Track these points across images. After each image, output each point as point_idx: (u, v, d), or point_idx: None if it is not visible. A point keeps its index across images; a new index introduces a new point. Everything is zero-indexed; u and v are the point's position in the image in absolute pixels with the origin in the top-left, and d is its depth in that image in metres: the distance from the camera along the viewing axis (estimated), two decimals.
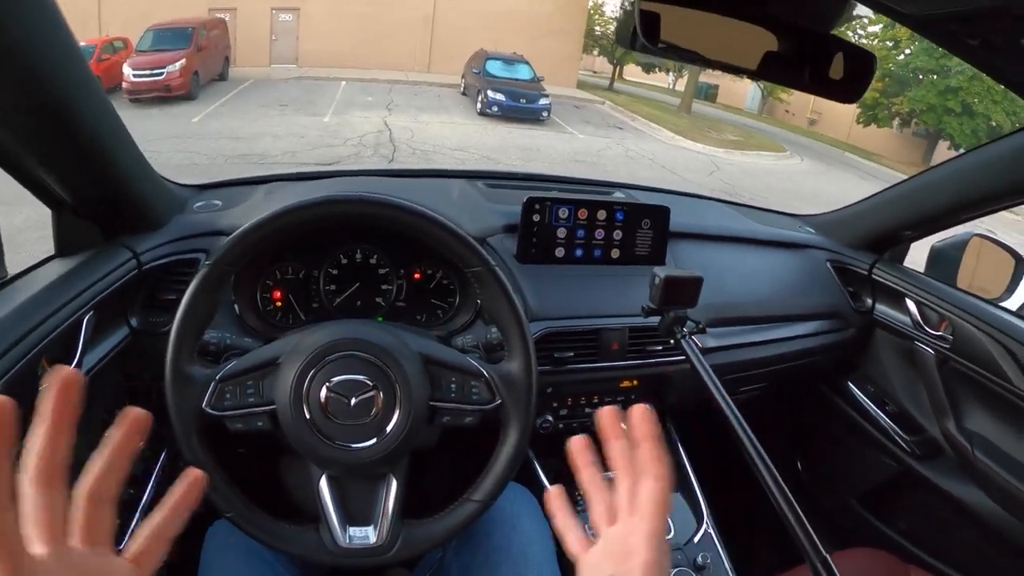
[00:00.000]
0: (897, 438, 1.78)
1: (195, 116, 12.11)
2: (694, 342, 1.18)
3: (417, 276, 1.46)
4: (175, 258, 1.28)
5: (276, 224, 0.98)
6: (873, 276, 1.82)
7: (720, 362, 1.59)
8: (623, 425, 0.76)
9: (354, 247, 1.41)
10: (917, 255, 1.84)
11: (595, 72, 29.80)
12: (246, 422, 0.99)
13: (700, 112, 21.89)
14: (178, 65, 13.51)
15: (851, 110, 23.29)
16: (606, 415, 0.75)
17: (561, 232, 1.51)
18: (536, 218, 1.49)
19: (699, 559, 1.32)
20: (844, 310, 1.85)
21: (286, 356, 0.99)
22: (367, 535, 1.00)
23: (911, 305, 1.72)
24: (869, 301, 1.86)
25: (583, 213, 1.52)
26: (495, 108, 14.79)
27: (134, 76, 13.14)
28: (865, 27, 22.87)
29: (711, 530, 1.41)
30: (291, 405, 0.95)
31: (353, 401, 0.96)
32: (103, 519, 0.48)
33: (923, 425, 1.76)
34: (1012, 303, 1.66)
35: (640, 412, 0.73)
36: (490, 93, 14.95)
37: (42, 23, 0.81)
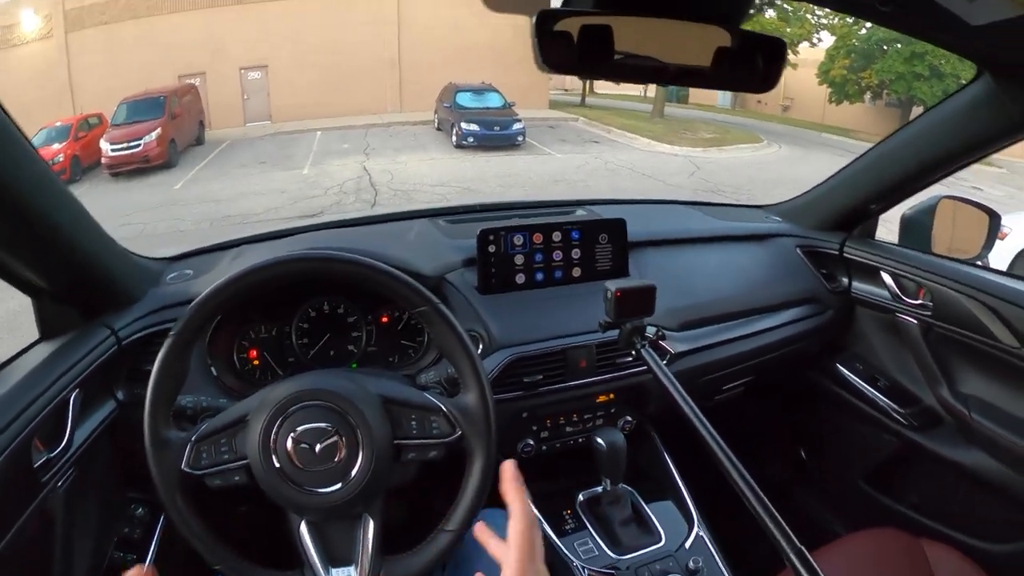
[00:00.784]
0: (894, 412, 1.77)
1: (176, 183, 12.21)
2: (659, 349, 1.18)
3: (385, 320, 1.49)
4: (152, 329, 1.32)
5: (225, 293, 1.01)
6: (845, 255, 1.82)
7: (699, 363, 1.60)
8: None
9: (320, 299, 1.45)
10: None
11: (566, 90, 29.86)
12: (224, 478, 1.01)
13: (674, 115, 21.88)
14: (154, 135, 13.58)
15: (822, 91, 23.43)
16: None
17: (519, 259, 1.53)
18: (492, 248, 1.51)
19: (691, 563, 1.31)
20: (820, 293, 1.85)
21: (253, 412, 1.01)
22: (349, 574, 1.02)
23: (887, 278, 1.72)
24: (845, 280, 1.86)
25: (538, 237, 1.53)
26: (471, 139, 14.85)
27: (112, 151, 13.22)
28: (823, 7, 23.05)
29: (702, 533, 1.40)
30: (261, 457, 0.97)
31: (318, 448, 0.97)
32: None
33: (918, 396, 1.76)
34: (992, 258, 1.65)
35: (505, 468, 0.88)
36: (464, 125, 15.01)
37: None
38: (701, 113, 24.53)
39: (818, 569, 0.81)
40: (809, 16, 22.35)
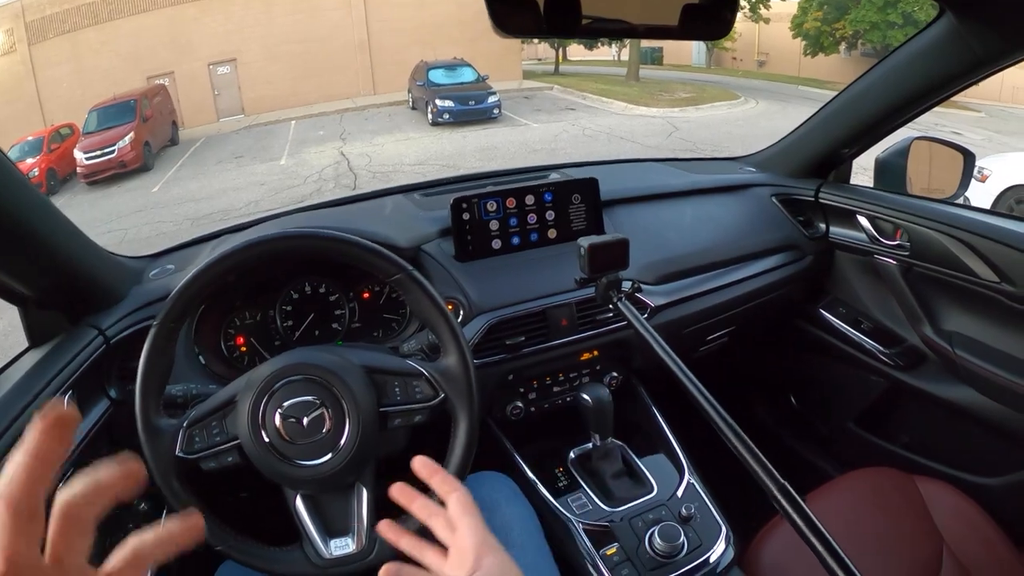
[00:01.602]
0: (879, 354, 1.79)
1: (154, 186, 12.09)
2: (637, 302, 1.19)
3: (366, 296, 1.50)
4: (139, 326, 1.32)
5: (204, 279, 1.02)
6: (820, 200, 1.83)
7: (679, 315, 1.60)
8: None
9: (301, 281, 1.46)
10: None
11: (539, 59, 29.76)
12: (218, 459, 1.03)
13: (649, 77, 21.82)
14: (128, 139, 13.44)
15: (796, 44, 23.33)
16: (396, 491, 0.84)
17: (493, 224, 1.53)
18: (466, 216, 1.51)
19: (683, 510, 1.32)
20: (798, 240, 1.85)
21: (240, 392, 1.03)
22: (347, 544, 1.04)
23: (863, 221, 1.73)
24: (822, 226, 1.87)
25: (511, 202, 1.54)
26: (446, 116, 14.79)
27: (87, 159, 13.06)
28: None
29: (693, 481, 1.41)
30: (251, 435, 0.99)
31: (305, 421, 0.99)
32: (74, 536, 0.46)
33: (901, 336, 1.77)
34: (976, 192, 1.66)
35: (419, 464, 0.84)
36: (438, 102, 14.95)
37: None
38: (676, 73, 24.45)
39: (803, 504, 0.81)
40: None
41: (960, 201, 1.71)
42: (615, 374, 1.61)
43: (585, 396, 1.38)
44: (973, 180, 1.73)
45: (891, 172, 1.76)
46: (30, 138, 13.88)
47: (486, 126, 14.65)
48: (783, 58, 25.45)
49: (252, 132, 16.51)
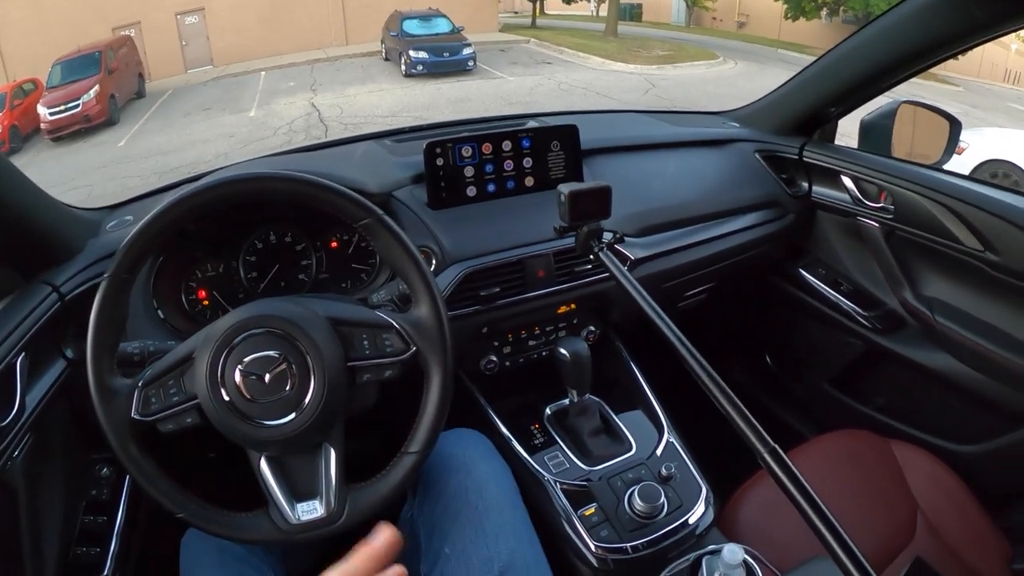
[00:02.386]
0: (858, 316, 1.77)
1: (120, 141, 11.75)
2: (617, 253, 1.13)
3: (334, 245, 1.43)
4: (95, 281, 1.21)
5: (157, 225, 0.94)
6: (804, 159, 1.79)
7: (659, 269, 1.56)
8: None
9: (266, 230, 1.38)
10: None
11: (516, 12, 29.30)
12: (175, 421, 0.96)
13: (627, 33, 21.64)
14: (92, 93, 12.92)
15: (778, 7, 23.19)
16: None
17: (468, 171, 1.46)
18: (440, 162, 1.44)
19: (663, 470, 1.28)
20: (781, 197, 1.81)
21: (198, 348, 0.96)
22: (315, 508, 0.98)
23: (847, 181, 1.70)
24: (805, 184, 1.83)
25: (487, 148, 1.47)
26: (420, 67, 14.53)
27: (50, 115, 12.54)
28: None
29: (673, 439, 1.38)
30: (210, 394, 0.93)
31: (267, 377, 0.92)
32: None
33: (881, 299, 1.76)
34: (953, 164, 1.64)
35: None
36: (412, 53, 14.65)
37: None
38: (655, 31, 24.21)
39: (792, 465, 0.79)
40: None
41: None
42: (592, 328, 1.57)
43: (562, 350, 1.34)
44: None
45: (876, 134, 1.73)
46: None
47: (460, 78, 14.45)
48: (763, 21, 25.29)
49: (221, 83, 16.10)
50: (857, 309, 1.77)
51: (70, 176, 9.63)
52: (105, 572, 1.22)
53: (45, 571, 1.10)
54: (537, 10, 26.62)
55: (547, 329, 1.53)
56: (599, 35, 20.72)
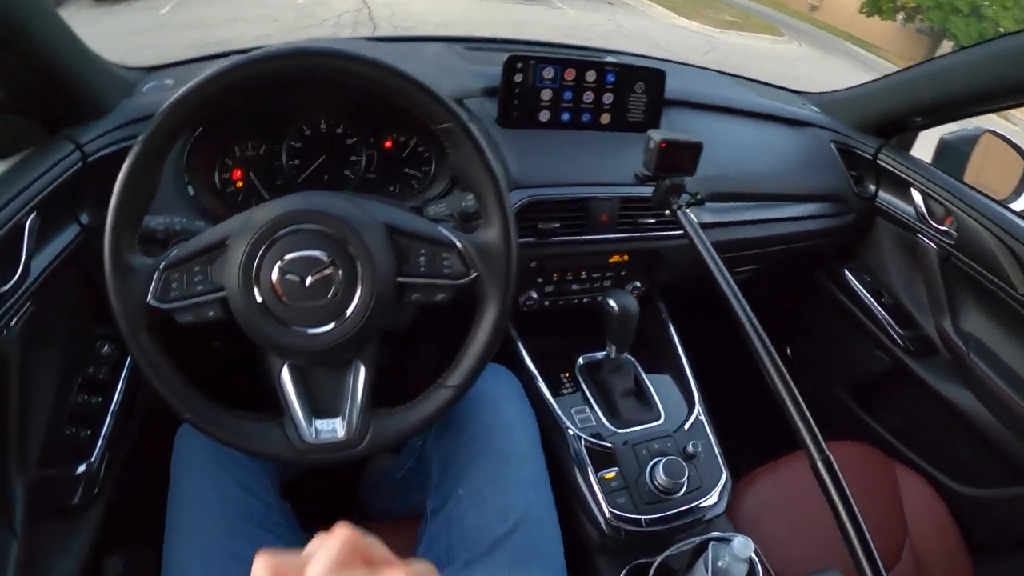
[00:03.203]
0: (892, 331, 1.73)
1: (163, 7, 11.33)
2: (688, 214, 1.08)
3: (388, 145, 1.34)
4: (123, 144, 1.14)
5: (210, 89, 0.83)
6: (878, 161, 1.71)
7: (718, 239, 1.49)
8: None
9: (317, 117, 1.28)
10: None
11: None
12: (196, 313, 0.86)
13: None
14: None
15: (854, 0, 22.59)
16: None
17: (546, 94, 1.38)
18: (518, 78, 1.35)
19: (690, 447, 1.25)
20: (846, 194, 1.74)
21: (234, 236, 0.86)
22: (335, 428, 0.90)
23: (916, 195, 1.63)
24: (872, 187, 1.76)
25: (570, 74, 1.38)
26: None
27: None
28: None
29: (702, 417, 1.34)
30: (240, 289, 0.84)
31: (308, 280, 0.83)
32: None
33: (919, 321, 1.71)
34: (1019, 205, 1.59)
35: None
36: None
37: None
38: None
39: (841, 478, 0.77)
40: None
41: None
42: (638, 284, 1.51)
43: (611, 302, 1.28)
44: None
45: (953, 156, 1.66)
46: None
47: (519, 2, 14.12)
48: (837, 9, 24.66)
49: None
50: (893, 324, 1.72)
51: (106, 37, 9.11)
52: (92, 457, 1.15)
53: (30, 451, 1.03)
54: None
55: (594, 276, 1.47)
56: None
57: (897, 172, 1.66)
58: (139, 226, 0.88)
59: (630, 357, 1.42)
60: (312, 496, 1.31)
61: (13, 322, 0.94)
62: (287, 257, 0.83)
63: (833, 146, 1.77)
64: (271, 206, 0.86)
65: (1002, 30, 18.69)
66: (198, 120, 0.89)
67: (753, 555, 1.00)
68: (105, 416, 1.20)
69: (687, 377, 1.41)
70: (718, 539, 1.07)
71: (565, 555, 1.08)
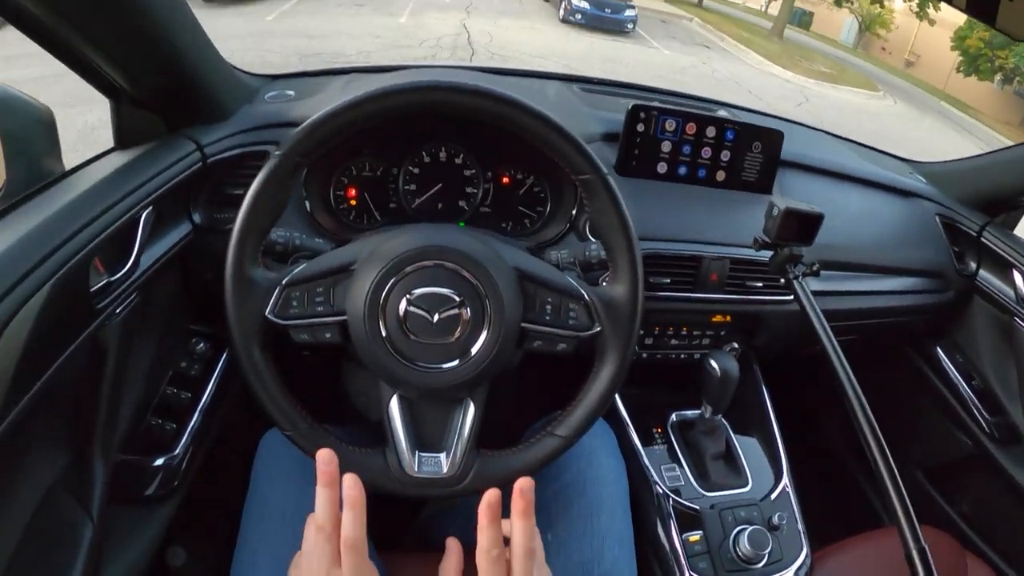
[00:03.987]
0: (978, 416, 1.67)
1: (269, 15, 11.82)
2: (804, 284, 1.08)
3: (506, 180, 1.36)
4: (243, 150, 1.20)
5: (357, 112, 0.85)
6: (983, 239, 1.67)
7: (822, 308, 1.49)
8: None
9: (439, 145, 1.32)
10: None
11: None
12: (313, 333, 0.89)
13: (792, 39, 21.07)
14: None
15: (951, 57, 22.10)
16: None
17: (666, 146, 1.40)
18: (640, 128, 1.38)
19: (775, 518, 1.24)
20: (947, 270, 1.70)
21: (362, 261, 0.89)
22: (439, 463, 0.91)
23: (1018, 277, 1.58)
24: (974, 265, 1.71)
25: (691, 128, 1.40)
26: (578, 16, 14.40)
27: None
28: None
29: (789, 489, 1.33)
30: (365, 318, 0.86)
31: (436, 317, 0.85)
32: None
33: (1007, 407, 1.65)
34: None
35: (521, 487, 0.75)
36: (574, 1, 14.48)
37: None
38: (821, 44, 23.50)
39: (935, 570, 0.77)
40: None
41: None
42: (736, 345, 1.51)
43: (713, 363, 1.30)
44: None
45: None
46: None
47: (615, 38, 14.28)
48: (933, 66, 24.11)
49: None
50: (980, 409, 1.67)
51: (213, 37, 9.51)
52: (176, 451, 1.19)
53: (115, 436, 1.07)
54: None
55: (694, 333, 1.47)
56: (764, 32, 20.23)
57: (1000, 251, 1.63)
58: (264, 239, 0.91)
59: (723, 420, 1.42)
60: (385, 519, 1.35)
61: (119, 310, 0.98)
62: (416, 292, 0.86)
63: (938, 219, 1.74)
64: (403, 237, 0.89)
65: None
66: (339, 140, 0.89)
67: None
68: (193, 412, 1.24)
69: (776, 444, 1.41)
70: None
71: None
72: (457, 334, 0.87)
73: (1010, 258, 1.60)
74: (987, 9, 0.85)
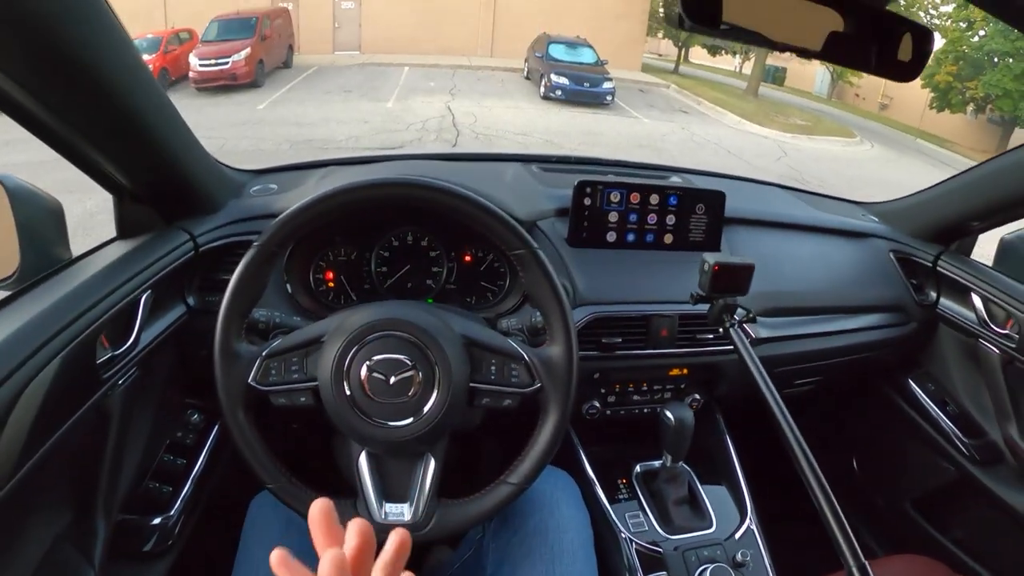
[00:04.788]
0: (957, 441, 1.70)
1: (260, 103, 12.35)
2: (743, 331, 1.15)
3: (468, 259, 1.47)
4: (231, 240, 1.33)
5: (321, 207, 1.00)
6: (938, 268, 1.73)
7: (774, 353, 1.56)
8: None
9: (405, 229, 1.44)
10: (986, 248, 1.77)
11: (660, 55, 29.39)
12: (289, 398, 1.01)
13: (767, 96, 21.40)
14: (243, 54, 13.77)
15: (923, 95, 22.40)
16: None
17: (613, 216, 1.50)
18: (587, 201, 1.48)
19: (739, 556, 1.29)
20: (907, 303, 1.76)
21: (330, 334, 1.00)
22: (402, 512, 1.01)
23: (977, 300, 1.64)
24: (933, 295, 1.77)
25: (635, 197, 1.50)
26: (558, 92, 14.74)
27: (200, 66, 13.47)
28: (937, 7, 22.20)
29: (753, 527, 1.37)
30: (332, 382, 0.97)
31: (392, 380, 0.97)
32: None
33: (984, 429, 1.69)
34: None
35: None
36: (553, 77, 14.89)
37: (95, 23, 0.84)
38: (796, 98, 23.86)
39: None
40: (921, 13, 21.41)
41: None
42: (697, 396, 1.57)
43: (668, 414, 1.36)
44: None
45: (1015, 257, 1.68)
46: (150, 35, 14.21)
47: (596, 111, 14.58)
48: (907, 106, 24.45)
49: (365, 70, 16.74)
50: (958, 434, 1.70)
51: (207, 126, 10.00)
52: (171, 512, 1.29)
53: (116, 496, 1.16)
54: (681, 57, 26.66)
55: (655, 388, 1.54)
56: (739, 92, 20.58)
57: (957, 278, 1.68)
58: (247, 318, 1.04)
59: (685, 467, 1.47)
60: None
61: (120, 382, 1.09)
62: (375, 358, 0.97)
63: (892, 256, 1.80)
64: (363, 312, 1.01)
65: None
66: (307, 229, 1.02)
67: None
68: (187, 477, 1.36)
69: (741, 488, 1.46)
70: None
71: None
72: (411, 393, 0.98)
73: (967, 283, 1.66)
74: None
